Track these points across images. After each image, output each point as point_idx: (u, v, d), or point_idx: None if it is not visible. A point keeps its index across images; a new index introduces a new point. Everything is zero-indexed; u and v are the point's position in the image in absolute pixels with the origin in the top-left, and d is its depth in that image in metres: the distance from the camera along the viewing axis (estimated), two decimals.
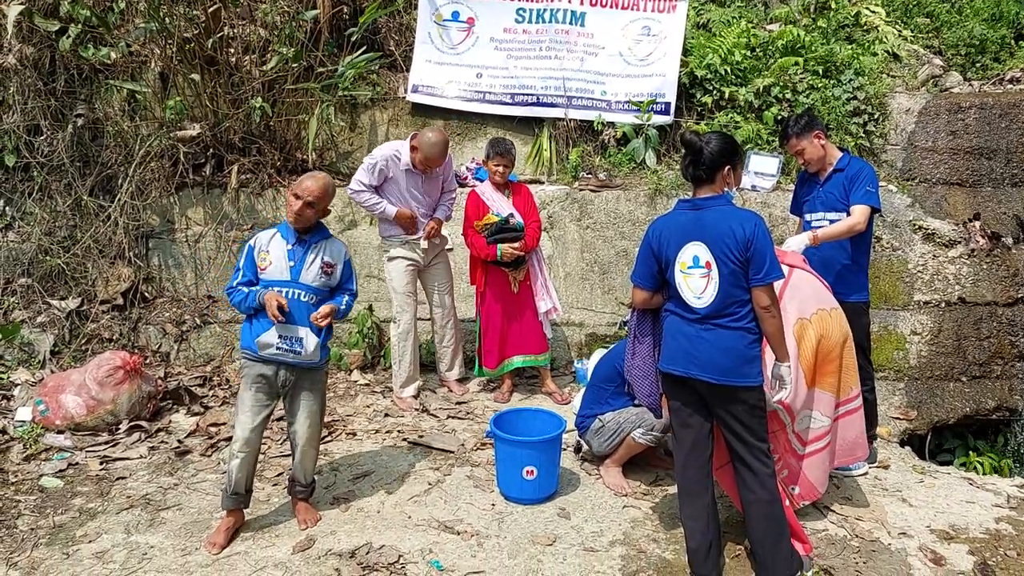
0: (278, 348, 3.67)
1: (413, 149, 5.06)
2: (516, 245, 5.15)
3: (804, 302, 3.80)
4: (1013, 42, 7.97)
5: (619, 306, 6.23)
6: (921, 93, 6.96)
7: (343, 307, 3.86)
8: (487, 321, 5.44)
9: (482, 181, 6.76)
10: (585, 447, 4.54)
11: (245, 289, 3.71)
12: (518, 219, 5.23)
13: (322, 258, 3.78)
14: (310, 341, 3.71)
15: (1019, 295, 5.83)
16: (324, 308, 3.73)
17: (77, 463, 4.57)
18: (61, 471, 4.46)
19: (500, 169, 5.24)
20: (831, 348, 3.74)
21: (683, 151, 3.39)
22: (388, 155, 5.11)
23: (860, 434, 3.98)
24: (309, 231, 3.79)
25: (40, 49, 6.40)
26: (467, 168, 6.76)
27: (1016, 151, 6.39)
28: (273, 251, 3.74)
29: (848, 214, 4.35)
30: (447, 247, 5.67)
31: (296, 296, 3.70)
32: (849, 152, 4.60)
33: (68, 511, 4.03)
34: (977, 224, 6.09)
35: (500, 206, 5.27)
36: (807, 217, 4.61)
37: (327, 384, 3.96)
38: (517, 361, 5.47)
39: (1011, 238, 6.02)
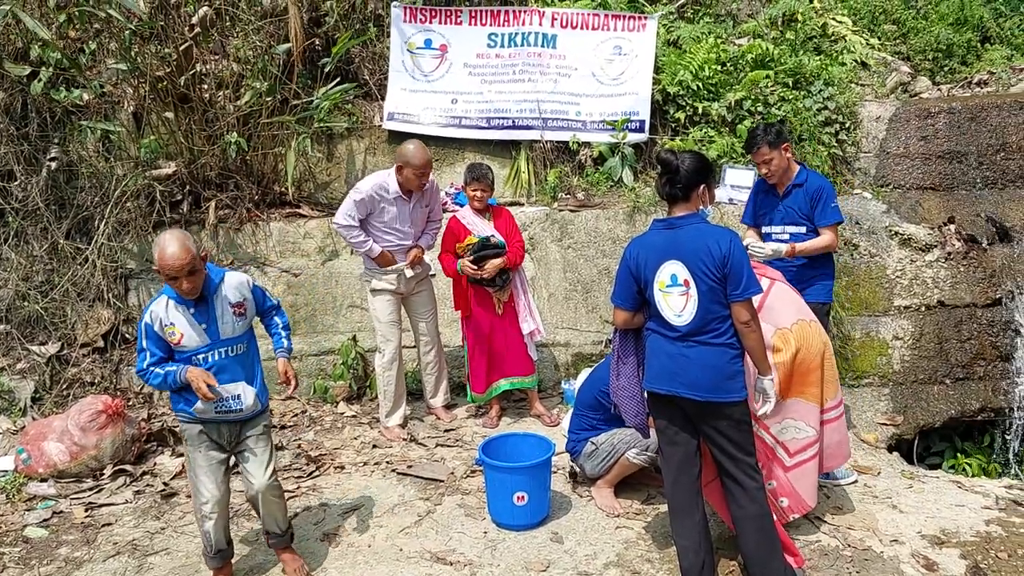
0: (217, 412, 3.45)
1: (399, 170, 5.04)
2: (498, 261, 5.14)
3: (784, 313, 3.83)
4: (979, 45, 8.11)
5: (604, 324, 6.24)
6: (891, 100, 7.06)
7: (286, 339, 3.73)
8: (473, 346, 5.42)
9: (462, 206, 6.78)
10: (578, 471, 4.52)
11: (160, 370, 3.37)
12: (499, 238, 5.23)
13: (228, 303, 3.47)
14: (248, 395, 3.50)
15: (997, 296, 5.88)
16: (285, 370, 3.65)
17: (62, 511, 4.50)
18: (45, 520, 4.39)
19: (478, 194, 5.24)
20: (811, 359, 3.77)
21: (659, 170, 3.42)
22: (375, 189, 5.07)
23: (839, 442, 4.00)
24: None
25: (11, 94, 6.37)
26: (446, 193, 6.76)
27: (986, 153, 6.48)
28: (178, 321, 3.36)
29: (808, 226, 4.50)
30: (431, 273, 5.66)
31: (224, 354, 3.45)
32: (805, 165, 4.69)
33: (54, 561, 3.97)
34: (952, 227, 6.15)
35: (481, 229, 5.27)
36: (765, 230, 4.73)
37: (271, 425, 3.71)
38: (504, 384, 5.45)
39: (986, 240, 6.08)
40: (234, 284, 3.52)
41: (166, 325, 3.36)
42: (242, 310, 3.51)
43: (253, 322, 3.65)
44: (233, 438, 3.57)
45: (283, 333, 3.75)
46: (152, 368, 3.38)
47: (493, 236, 5.21)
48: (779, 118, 6.69)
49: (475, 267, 5.11)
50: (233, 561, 3.74)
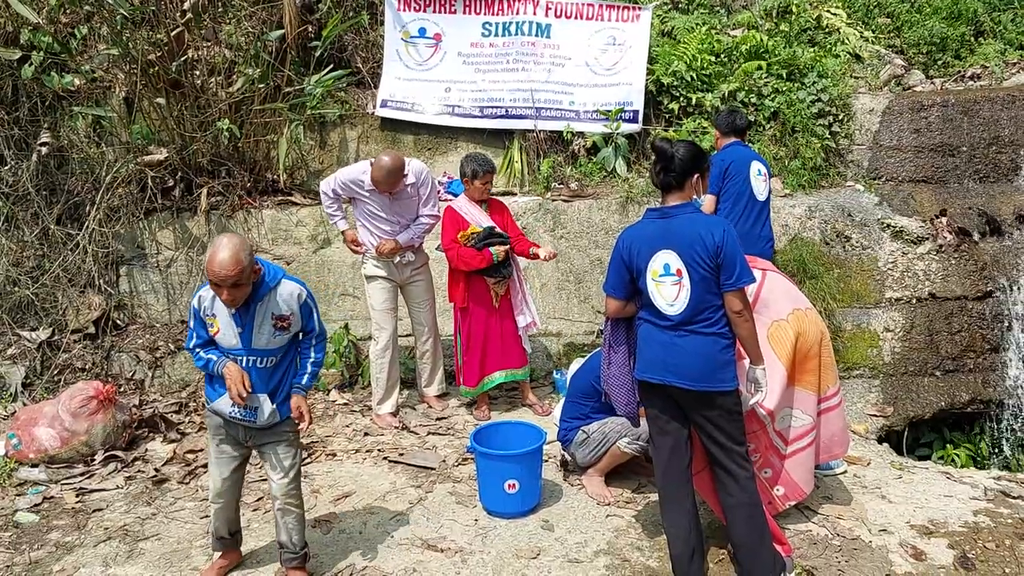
0: (231, 416, 3.36)
1: (372, 166, 5.06)
2: (505, 247, 5.12)
3: (779, 303, 3.85)
4: (972, 39, 8.12)
5: (596, 315, 6.25)
6: (884, 93, 7.07)
7: (308, 376, 3.46)
8: (468, 339, 5.34)
9: (456, 196, 6.75)
10: (569, 459, 4.53)
11: (204, 355, 3.33)
12: (499, 229, 5.21)
13: (272, 313, 3.28)
14: (266, 407, 3.34)
15: (988, 288, 5.92)
16: (299, 407, 3.39)
17: (52, 497, 4.49)
18: (36, 505, 4.38)
19: (488, 187, 5.24)
20: (809, 347, 3.79)
21: (654, 158, 3.41)
22: (354, 178, 5.10)
23: (841, 430, 4.03)
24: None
25: (2, 78, 6.32)
26: (439, 183, 6.74)
27: (978, 147, 6.50)
28: (219, 316, 3.27)
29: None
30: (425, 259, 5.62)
31: (250, 363, 3.31)
32: (736, 145, 5.40)
33: (44, 546, 3.97)
34: (944, 220, 6.17)
35: (479, 220, 5.24)
36: None
37: (298, 429, 3.54)
38: (498, 377, 5.41)
39: (977, 232, 6.11)
40: (285, 294, 3.31)
41: (208, 315, 3.28)
42: (285, 324, 3.31)
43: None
44: (250, 438, 3.46)
45: (309, 370, 3.48)
46: (198, 350, 3.35)
47: (495, 227, 5.20)
48: (772, 110, 6.71)
49: (503, 251, 5.09)
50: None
